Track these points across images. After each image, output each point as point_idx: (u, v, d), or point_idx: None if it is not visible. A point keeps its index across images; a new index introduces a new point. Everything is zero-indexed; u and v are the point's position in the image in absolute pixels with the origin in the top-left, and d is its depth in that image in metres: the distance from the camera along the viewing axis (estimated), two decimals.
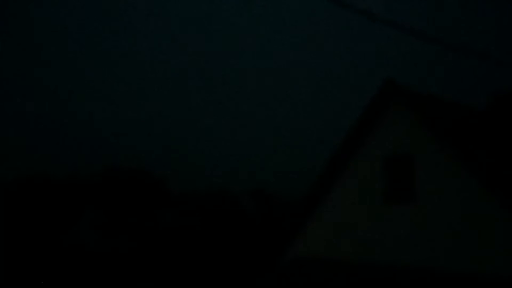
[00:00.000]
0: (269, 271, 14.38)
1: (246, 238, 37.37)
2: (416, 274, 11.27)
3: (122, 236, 39.17)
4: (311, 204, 13.84)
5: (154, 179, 47.39)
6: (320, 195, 13.69)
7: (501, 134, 13.59)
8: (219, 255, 33.69)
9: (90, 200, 43.53)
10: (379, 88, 12.53)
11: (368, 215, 12.62)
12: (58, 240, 36.81)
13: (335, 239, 13.28)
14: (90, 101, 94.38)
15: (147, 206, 44.06)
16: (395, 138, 12.39)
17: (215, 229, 40.91)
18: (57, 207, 42.19)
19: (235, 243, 36.78)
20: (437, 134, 11.46)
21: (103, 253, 33.84)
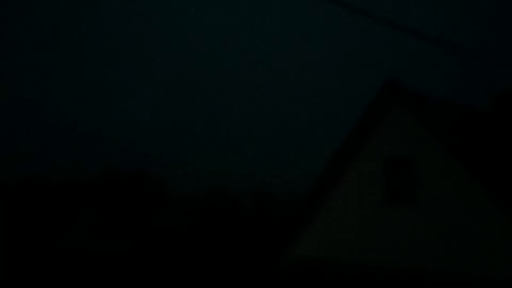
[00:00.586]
0: (269, 272, 14.34)
1: (245, 239, 37.33)
2: (416, 275, 11.23)
3: (120, 237, 39.15)
4: (312, 204, 13.79)
5: (153, 180, 47.39)
6: (320, 195, 13.64)
7: (502, 135, 13.55)
8: (218, 255, 33.64)
9: (89, 201, 43.52)
10: (380, 88, 12.50)
11: (369, 216, 12.57)
12: (57, 241, 36.80)
13: (335, 240, 13.23)
14: (90, 103, 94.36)
15: (146, 207, 44.05)
16: (396, 139, 12.34)
17: (214, 229, 40.88)
18: (56, 208, 42.18)
19: (234, 243, 36.74)
20: (438, 134, 11.42)
21: (101, 253, 33.81)
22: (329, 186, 13.50)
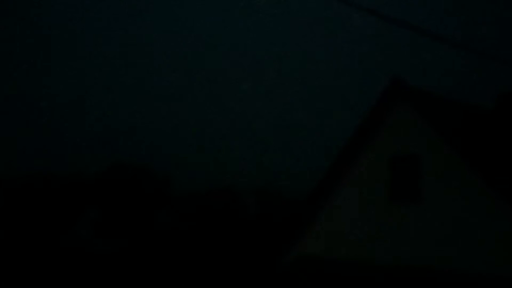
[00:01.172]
0: (272, 270, 14.32)
1: (249, 237, 37.32)
2: (421, 274, 11.19)
3: (122, 236, 39.20)
4: (316, 203, 13.76)
5: (156, 178, 47.42)
6: (325, 194, 13.61)
7: (508, 134, 13.48)
8: (221, 254, 33.64)
9: (92, 199, 43.59)
10: (386, 87, 12.46)
11: (374, 215, 12.54)
12: (59, 239, 36.86)
13: (340, 239, 13.20)
14: (94, 101, 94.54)
15: (149, 206, 44.10)
16: (402, 138, 12.30)
17: (217, 228, 40.88)
18: (59, 205, 42.26)
19: (238, 242, 36.73)
20: (444, 133, 11.38)
21: (103, 252, 33.85)
22: (334, 184, 13.47)
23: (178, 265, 30.98)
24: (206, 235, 38.76)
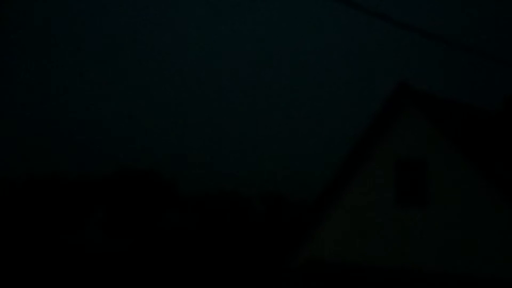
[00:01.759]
0: (280, 273, 14.37)
1: (256, 240, 37.35)
2: (428, 277, 11.22)
3: (130, 236, 39.35)
4: (323, 206, 13.81)
5: (164, 180, 47.52)
6: (332, 197, 13.66)
7: None
8: (228, 256, 33.70)
9: (100, 201, 43.80)
10: (392, 91, 12.51)
11: (380, 218, 12.57)
12: (66, 240, 37.06)
13: (346, 242, 13.24)
14: (103, 102, 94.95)
15: (156, 207, 44.23)
16: (408, 141, 12.34)
17: (225, 230, 40.94)
18: (67, 207, 42.50)
19: (245, 244, 36.77)
20: (450, 136, 11.41)
21: (110, 253, 34.00)
22: (341, 187, 13.52)
23: (185, 266, 31.08)
24: (213, 237, 38.83)
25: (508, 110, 14.26)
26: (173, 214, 44.29)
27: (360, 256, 12.76)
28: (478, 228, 10.77)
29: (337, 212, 13.62)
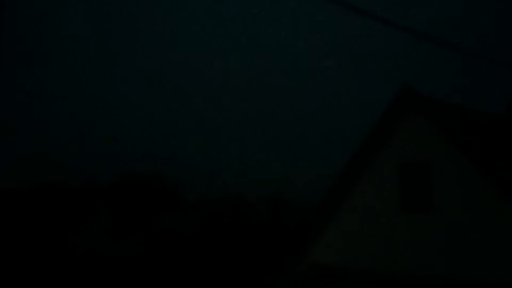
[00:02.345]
0: (283, 278, 14.33)
1: (260, 245, 37.31)
2: (433, 283, 11.16)
3: (135, 241, 39.41)
4: (327, 211, 13.77)
5: (167, 185, 47.58)
6: (336, 202, 13.62)
7: None
8: (232, 261, 33.67)
9: (104, 206, 43.93)
10: (396, 94, 12.48)
11: (385, 223, 12.52)
12: (72, 245, 37.18)
13: (350, 247, 13.19)
14: (106, 108, 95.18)
15: (160, 212, 44.29)
16: (412, 144, 12.30)
17: (228, 235, 40.92)
18: (72, 213, 42.63)
19: (248, 249, 36.73)
20: (454, 140, 11.36)
21: (115, 257, 34.08)
22: (345, 192, 13.48)
23: (188, 270, 31.08)
24: (217, 242, 38.82)
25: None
26: (177, 218, 44.32)
27: (364, 261, 12.71)
28: (484, 233, 10.70)
29: (341, 216, 13.58)
